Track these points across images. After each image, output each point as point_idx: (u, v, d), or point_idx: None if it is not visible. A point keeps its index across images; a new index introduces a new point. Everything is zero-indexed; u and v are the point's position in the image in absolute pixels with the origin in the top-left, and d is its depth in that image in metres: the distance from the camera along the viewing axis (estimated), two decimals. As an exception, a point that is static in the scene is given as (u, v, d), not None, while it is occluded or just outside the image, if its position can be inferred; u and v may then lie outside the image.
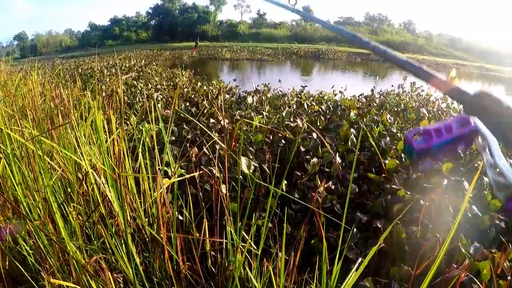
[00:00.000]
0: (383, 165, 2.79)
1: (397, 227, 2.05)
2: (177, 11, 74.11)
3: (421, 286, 1.09)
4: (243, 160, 2.26)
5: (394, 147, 3.14)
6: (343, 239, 1.91)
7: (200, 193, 1.72)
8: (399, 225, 2.07)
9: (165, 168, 1.88)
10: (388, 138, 3.41)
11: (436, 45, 62.78)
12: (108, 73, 9.43)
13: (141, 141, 1.69)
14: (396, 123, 4.43)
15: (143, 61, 16.96)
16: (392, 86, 8.37)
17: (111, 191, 1.37)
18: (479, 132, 0.37)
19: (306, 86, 7.32)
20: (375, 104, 6.00)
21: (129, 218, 1.57)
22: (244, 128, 3.39)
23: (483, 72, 34.47)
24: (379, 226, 2.15)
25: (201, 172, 1.87)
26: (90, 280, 1.31)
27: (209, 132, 1.54)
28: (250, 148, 2.78)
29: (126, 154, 1.65)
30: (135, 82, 6.95)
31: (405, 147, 0.34)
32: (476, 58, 49.98)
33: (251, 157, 2.64)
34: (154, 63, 16.39)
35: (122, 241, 1.43)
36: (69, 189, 1.68)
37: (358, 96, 6.76)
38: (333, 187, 2.48)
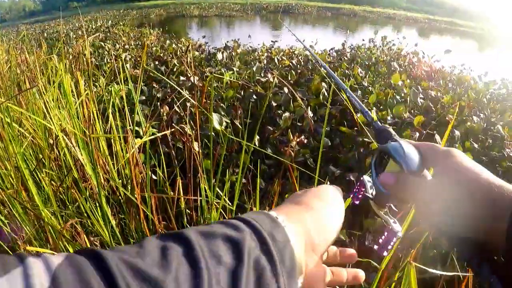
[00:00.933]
0: (355, 118, 2.80)
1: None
2: (142, -32, 71.91)
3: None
4: (215, 117, 2.25)
5: (366, 100, 3.16)
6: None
7: (173, 152, 1.70)
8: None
9: (137, 128, 1.86)
10: (359, 92, 3.42)
11: (408, -1, 62.72)
12: (74, 36, 9.17)
13: (111, 102, 1.66)
14: (367, 77, 4.45)
15: (110, 21, 16.51)
16: (363, 40, 8.36)
17: (83, 154, 1.35)
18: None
19: (276, 41, 7.26)
20: (346, 58, 6.00)
21: (102, 180, 1.55)
22: (215, 85, 3.35)
23: (453, 27, 34.66)
24: (352, 179, 2.17)
25: (172, 130, 1.85)
26: (67, 245, 1.30)
27: (179, 89, 1.51)
28: (222, 105, 2.76)
29: (96, 116, 1.62)
30: (102, 43, 6.78)
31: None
32: (446, 14, 50.11)
33: (222, 113, 2.63)
34: (121, 23, 15.98)
35: (97, 204, 1.42)
36: (40, 156, 1.65)
37: (329, 50, 6.73)
38: (305, 141, 2.49)
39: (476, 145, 2.61)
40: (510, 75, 5.64)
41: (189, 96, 1.58)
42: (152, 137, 1.36)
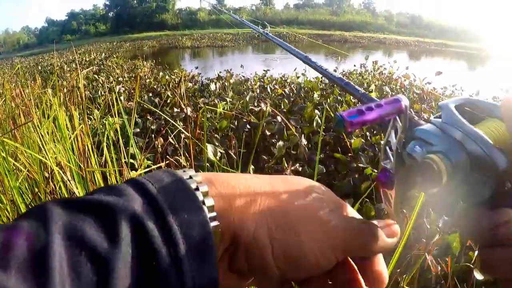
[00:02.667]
0: (349, 144, 2.82)
1: (366, 205, 2.08)
2: (135, 1, 72.91)
3: (390, 262, 1.11)
4: (209, 148, 2.26)
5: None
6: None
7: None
8: (368, 203, 2.10)
9: (132, 161, 1.87)
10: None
11: (397, 23, 63.63)
12: (68, 69, 9.23)
13: (105, 135, 1.67)
14: (359, 102, 4.47)
15: (103, 54, 16.63)
16: (355, 66, 8.44)
17: (79, 188, 1.35)
18: (402, 113, 0.39)
19: (268, 70, 7.32)
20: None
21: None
22: (209, 115, 3.38)
23: (443, 48, 35.12)
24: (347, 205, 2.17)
25: (167, 162, 1.86)
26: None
27: (172, 121, 1.53)
28: (216, 135, 2.78)
29: (91, 149, 1.63)
30: (96, 76, 6.83)
31: (337, 120, 0.36)
32: (436, 34, 50.78)
33: (216, 144, 2.64)
34: (114, 56, 16.10)
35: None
36: (36, 189, 1.65)
37: (321, 78, 6.80)
38: (300, 169, 2.50)
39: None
40: (501, 93, 5.72)
41: (183, 128, 1.59)
42: (147, 169, 1.37)
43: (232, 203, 0.36)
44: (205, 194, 0.34)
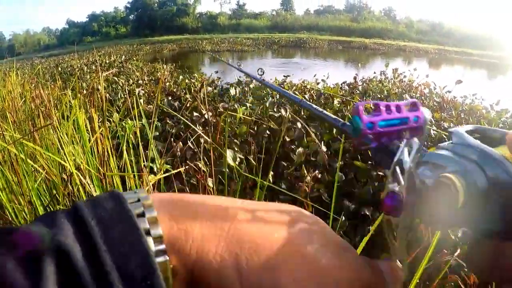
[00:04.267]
0: (369, 152, 2.79)
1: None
2: (155, 4, 73.66)
3: (416, 273, 1.09)
4: (229, 153, 2.25)
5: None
6: (332, 228, 1.91)
7: (187, 188, 1.70)
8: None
9: (151, 164, 1.86)
10: (372, 125, 3.42)
11: (417, 30, 63.27)
12: (88, 70, 9.32)
13: (125, 138, 1.67)
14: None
15: (123, 56, 16.78)
16: (375, 73, 8.39)
17: (97, 191, 1.35)
18: (422, 125, 0.36)
19: (288, 75, 7.31)
20: (358, 92, 6.01)
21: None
22: (228, 120, 3.37)
23: (463, 56, 34.83)
24: (367, 213, 2.15)
25: (187, 167, 1.85)
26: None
27: (193, 126, 1.52)
28: (235, 140, 2.77)
29: (110, 152, 1.63)
30: (116, 78, 6.88)
31: (353, 118, 0.32)
32: (457, 42, 50.36)
33: (236, 149, 2.63)
34: (134, 58, 16.24)
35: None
36: (54, 191, 1.65)
37: (341, 84, 6.76)
38: (319, 176, 2.48)
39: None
40: None
41: (203, 132, 1.59)
42: (167, 174, 1.36)
43: (190, 231, 0.30)
44: (153, 221, 0.29)
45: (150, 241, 0.27)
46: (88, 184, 1.28)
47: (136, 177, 1.57)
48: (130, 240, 0.26)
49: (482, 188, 0.35)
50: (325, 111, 0.71)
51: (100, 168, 1.35)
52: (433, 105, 5.30)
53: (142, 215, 0.29)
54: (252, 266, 0.29)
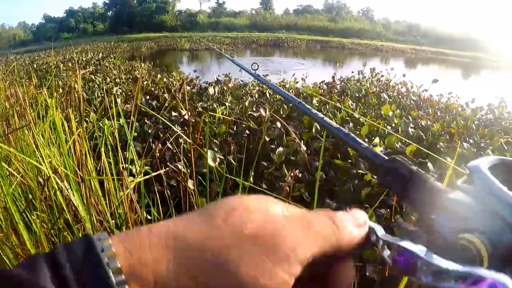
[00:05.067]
0: (349, 150, 2.80)
1: (368, 211, 2.07)
2: (135, 1, 72.83)
3: None
4: (209, 153, 2.23)
5: (358, 132, 3.16)
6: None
7: (167, 190, 1.68)
8: (369, 209, 2.09)
9: (129, 166, 1.83)
10: (351, 124, 3.43)
11: (394, 31, 63.97)
12: (64, 68, 9.17)
13: (103, 140, 1.64)
14: (358, 108, 4.47)
15: (101, 54, 16.57)
16: (352, 72, 8.45)
17: (75, 196, 1.31)
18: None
19: (267, 75, 7.31)
20: (336, 91, 6.04)
21: (95, 221, 1.52)
22: (207, 120, 3.35)
23: (439, 56, 35.35)
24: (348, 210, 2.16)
25: (167, 169, 1.83)
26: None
27: (173, 126, 1.50)
28: (215, 141, 2.75)
29: (88, 154, 1.59)
30: (93, 77, 6.79)
31: None
32: (432, 43, 51.01)
33: (216, 149, 2.61)
34: (112, 56, 16.06)
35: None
36: (30, 196, 1.61)
37: (319, 83, 6.78)
38: (300, 175, 2.47)
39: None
40: (495, 100, 5.81)
41: (182, 133, 1.57)
42: (147, 176, 1.33)
43: (142, 257, 0.31)
44: (111, 255, 0.30)
45: (111, 275, 0.29)
46: (66, 189, 1.25)
47: (115, 181, 1.54)
48: (97, 279, 0.29)
49: (509, 248, 0.30)
50: (326, 118, 0.67)
51: (79, 172, 1.32)
52: (410, 104, 5.37)
53: (102, 251, 0.30)
54: (209, 278, 0.31)
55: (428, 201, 0.38)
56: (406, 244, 0.33)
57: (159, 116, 1.68)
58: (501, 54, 36.50)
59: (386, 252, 0.36)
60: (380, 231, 0.38)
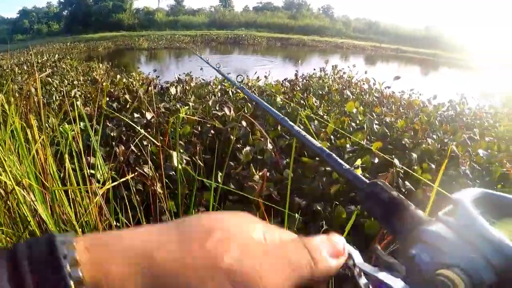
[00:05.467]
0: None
1: (337, 208, 2.07)
2: (90, -1, 71.29)
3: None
4: (174, 155, 2.18)
5: (324, 129, 3.17)
6: (286, 226, 1.89)
7: (136, 196, 1.62)
8: (339, 206, 2.09)
9: (93, 172, 1.77)
10: (316, 122, 3.44)
11: (354, 28, 64.89)
12: (19, 71, 8.88)
13: (66, 145, 1.57)
14: (322, 106, 4.49)
15: (57, 55, 16.15)
16: (314, 69, 8.50)
17: (41, 207, 1.24)
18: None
19: (229, 73, 7.27)
20: (298, 88, 6.06)
21: (63, 232, 1.45)
22: (172, 121, 3.29)
23: (399, 53, 36.09)
24: (319, 208, 2.16)
25: (135, 174, 1.77)
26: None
27: (139, 129, 1.45)
28: (180, 142, 2.70)
29: (52, 162, 1.52)
30: (50, 79, 6.60)
31: None
32: (392, 40, 51.94)
33: (181, 150, 2.56)
34: (68, 57, 15.67)
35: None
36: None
37: (282, 81, 6.80)
38: (268, 174, 2.45)
39: (433, 166, 2.75)
40: (456, 97, 5.98)
41: (147, 134, 1.52)
42: (116, 183, 1.28)
43: (109, 271, 0.29)
44: (74, 264, 0.28)
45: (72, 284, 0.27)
46: (33, 201, 1.17)
47: (82, 190, 1.47)
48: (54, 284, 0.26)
49: (490, 285, 0.30)
50: (308, 136, 0.65)
51: (45, 182, 1.25)
52: (373, 100, 5.43)
53: (65, 257, 0.28)
54: None
55: (408, 231, 0.37)
56: (384, 276, 0.33)
57: (124, 118, 1.62)
58: (459, 51, 37.69)
59: (363, 281, 0.35)
60: (358, 258, 0.36)
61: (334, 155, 0.54)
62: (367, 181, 0.45)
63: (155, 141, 1.36)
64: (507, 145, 3.39)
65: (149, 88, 4.16)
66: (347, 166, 0.51)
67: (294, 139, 2.90)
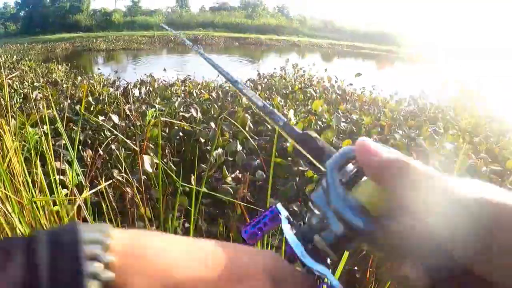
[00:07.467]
0: (286, 148, 2.80)
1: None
2: (48, 0, 69.38)
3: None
4: (146, 159, 2.14)
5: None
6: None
7: (112, 203, 1.58)
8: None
9: (62, 177, 1.72)
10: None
11: (310, 27, 65.51)
12: (-25, 75, 8.57)
13: (38, 150, 1.52)
14: (287, 105, 4.51)
15: (15, 56, 15.66)
16: (275, 69, 8.54)
17: (20, 220, 1.18)
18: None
19: (189, 75, 7.23)
20: (261, 88, 6.07)
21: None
22: (138, 124, 3.24)
23: (355, 50, 36.68)
24: (296, 209, 2.16)
25: (112, 180, 1.73)
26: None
27: (114, 130, 1.41)
28: (150, 145, 2.65)
29: (24, 169, 1.45)
30: (9, 81, 6.38)
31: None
32: (348, 38, 52.70)
33: (151, 154, 2.52)
34: (26, 58, 15.22)
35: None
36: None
37: (246, 81, 6.79)
38: (240, 176, 2.44)
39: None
40: (415, 91, 6.11)
41: (113, 138, 1.49)
42: (94, 190, 1.25)
43: (133, 284, 0.26)
44: (102, 268, 0.25)
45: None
46: (10, 213, 1.11)
47: (62, 202, 1.41)
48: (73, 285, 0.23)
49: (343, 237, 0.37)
50: (255, 97, 0.66)
51: (26, 194, 1.19)
52: (337, 98, 5.49)
53: (95, 258, 0.25)
54: None
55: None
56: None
57: (99, 121, 1.57)
58: (412, 47, 38.56)
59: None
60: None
61: (276, 110, 0.56)
62: (300, 132, 0.49)
63: (134, 146, 1.32)
64: (471, 137, 3.48)
65: (127, 90, 4.06)
66: (285, 119, 0.53)
67: (259, 140, 2.89)
